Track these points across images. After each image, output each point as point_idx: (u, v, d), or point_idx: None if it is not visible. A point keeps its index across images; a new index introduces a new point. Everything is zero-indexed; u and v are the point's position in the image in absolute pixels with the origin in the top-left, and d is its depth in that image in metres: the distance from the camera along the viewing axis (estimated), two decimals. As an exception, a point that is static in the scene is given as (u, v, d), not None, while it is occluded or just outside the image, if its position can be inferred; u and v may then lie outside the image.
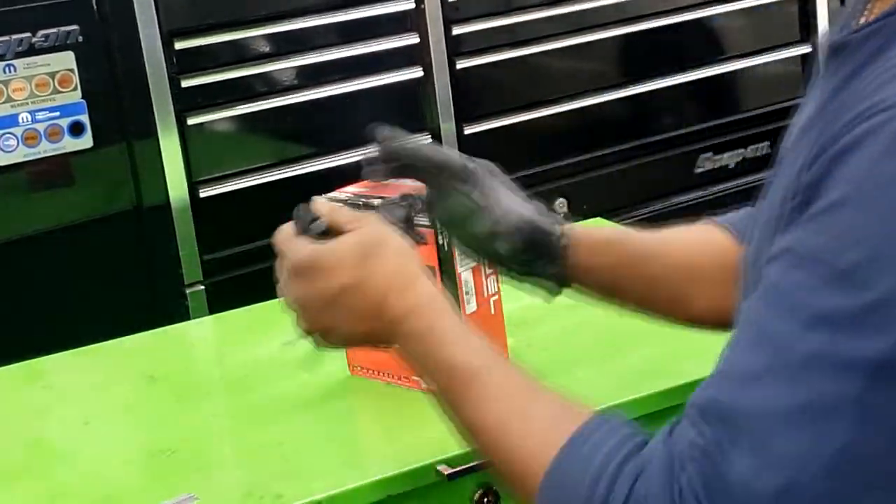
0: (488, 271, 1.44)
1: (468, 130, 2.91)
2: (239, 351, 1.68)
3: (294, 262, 1.13)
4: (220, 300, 2.57)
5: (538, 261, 1.28)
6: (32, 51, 2.43)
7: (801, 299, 0.79)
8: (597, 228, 1.40)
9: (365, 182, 1.49)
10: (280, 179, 2.71)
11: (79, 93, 2.50)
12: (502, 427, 0.97)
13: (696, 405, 0.84)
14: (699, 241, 1.30)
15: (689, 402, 0.86)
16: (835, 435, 0.76)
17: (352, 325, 1.11)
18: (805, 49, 3.33)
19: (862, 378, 0.75)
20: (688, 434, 0.84)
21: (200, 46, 2.62)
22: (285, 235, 1.16)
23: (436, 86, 2.87)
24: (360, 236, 1.11)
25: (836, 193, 0.79)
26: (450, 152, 1.29)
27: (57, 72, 2.47)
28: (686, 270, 1.28)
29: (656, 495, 0.83)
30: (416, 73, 2.85)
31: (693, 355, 1.39)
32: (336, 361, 1.52)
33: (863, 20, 0.90)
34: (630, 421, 0.94)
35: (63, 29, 2.46)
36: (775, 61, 3.31)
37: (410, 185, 1.33)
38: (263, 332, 1.72)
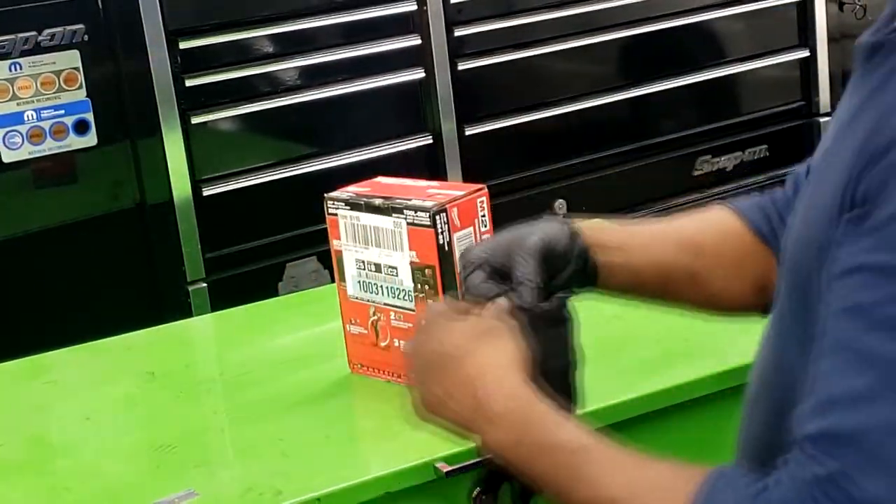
0: None
1: (469, 131, 2.91)
2: (239, 348, 1.69)
3: (425, 317, 1.14)
4: (222, 297, 2.58)
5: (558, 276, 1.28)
6: (38, 49, 2.44)
7: (890, 313, 0.80)
8: (607, 226, 1.39)
9: (366, 181, 1.50)
10: (282, 178, 2.71)
11: (84, 91, 2.50)
12: (629, 495, 0.96)
13: (810, 438, 0.83)
14: (710, 221, 1.31)
15: (799, 437, 0.85)
16: None
17: (444, 393, 1.10)
18: (803, 53, 3.33)
19: None
20: (810, 469, 0.83)
21: (204, 46, 2.62)
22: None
23: (437, 87, 2.87)
24: (482, 320, 1.12)
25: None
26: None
27: (62, 70, 2.47)
28: (700, 249, 1.29)
29: None
30: (418, 74, 2.86)
31: (690, 355, 1.40)
32: (336, 359, 1.53)
33: None
34: (742, 468, 0.94)
35: (69, 28, 2.46)
36: (774, 65, 3.32)
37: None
38: (264, 329, 1.73)
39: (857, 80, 0.96)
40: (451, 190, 1.44)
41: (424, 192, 1.44)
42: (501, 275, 1.18)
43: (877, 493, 0.79)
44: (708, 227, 1.31)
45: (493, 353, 1.08)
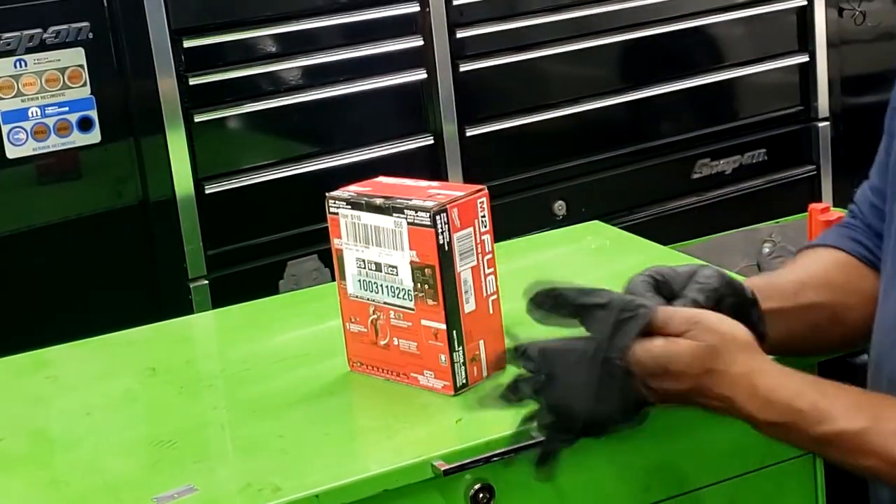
0: (488, 271, 1.46)
1: (470, 133, 2.92)
2: (240, 345, 1.69)
3: (646, 366, 1.19)
4: (223, 295, 2.58)
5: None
6: (43, 46, 2.45)
7: None
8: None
9: (367, 181, 1.51)
10: (284, 177, 2.72)
11: (88, 88, 2.51)
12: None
13: None
14: (822, 260, 1.35)
15: None
16: None
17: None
18: (803, 59, 3.33)
19: None
20: None
21: (208, 45, 2.63)
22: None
23: (439, 88, 2.88)
24: (701, 345, 1.18)
25: None
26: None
27: (67, 67, 2.48)
28: (832, 285, 1.36)
29: None
30: (420, 75, 2.87)
31: None
32: (335, 357, 1.54)
33: None
34: None
35: (74, 25, 2.47)
36: (773, 70, 3.32)
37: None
38: (264, 326, 1.73)
39: None
40: (451, 190, 1.45)
41: (425, 192, 1.45)
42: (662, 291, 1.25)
43: None
44: (825, 265, 1.35)
45: (728, 369, 1.17)
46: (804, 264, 1.40)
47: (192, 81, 2.61)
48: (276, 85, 2.72)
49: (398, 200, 1.43)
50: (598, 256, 1.90)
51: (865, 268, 1.35)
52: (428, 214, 1.40)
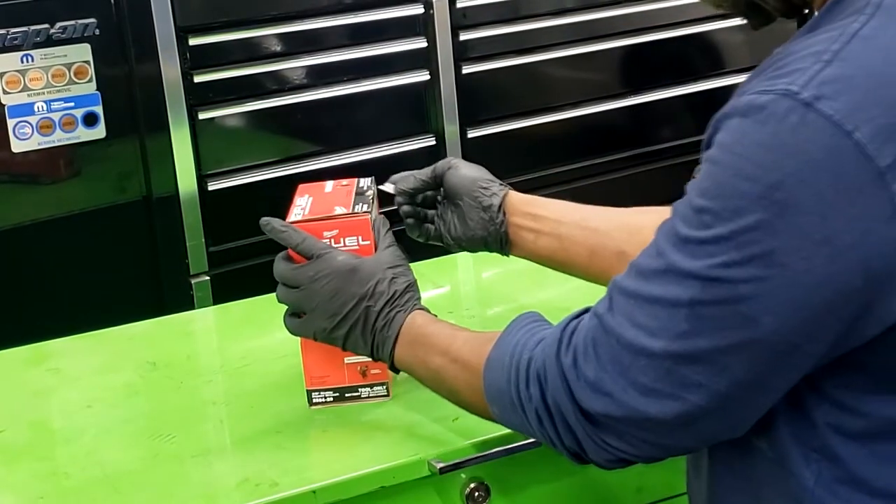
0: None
1: (471, 134, 2.93)
2: (240, 341, 1.70)
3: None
4: (224, 291, 2.60)
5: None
6: (50, 42, 2.46)
7: (675, 225, 1.00)
8: (534, 206, 1.55)
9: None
10: (287, 175, 2.73)
11: (94, 84, 2.52)
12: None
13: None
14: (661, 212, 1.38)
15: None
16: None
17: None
18: (804, 65, 3.34)
19: (697, 285, 0.96)
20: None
21: (214, 43, 2.64)
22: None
23: (441, 89, 2.89)
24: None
25: (713, 151, 0.99)
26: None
27: (73, 63, 2.49)
28: (626, 227, 1.47)
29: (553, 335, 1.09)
30: (423, 76, 2.88)
31: None
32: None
33: None
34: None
35: (81, 22, 2.48)
36: (774, 76, 3.32)
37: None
38: (264, 323, 1.73)
39: None
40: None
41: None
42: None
43: (615, 324, 1.03)
44: (654, 215, 1.39)
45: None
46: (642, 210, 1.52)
47: (197, 79, 2.62)
48: (279, 84, 2.73)
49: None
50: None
51: None
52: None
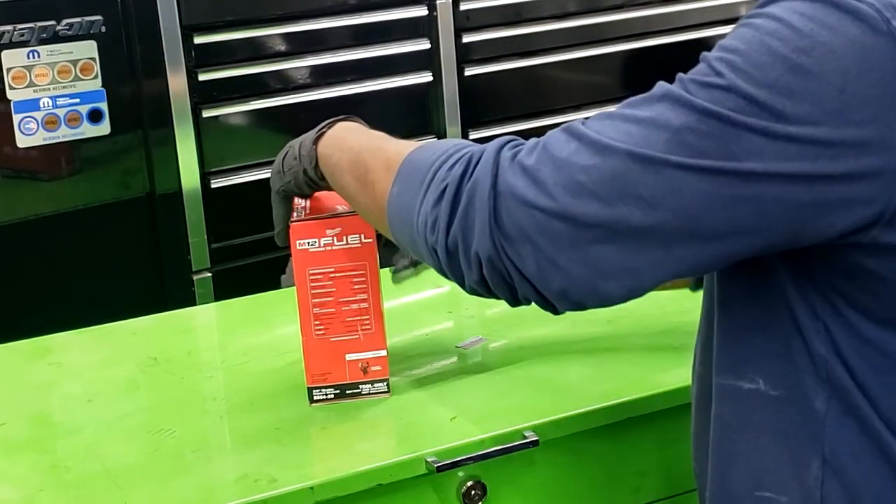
0: None
1: (473, 135, 2.93)
2: (241, 337, 1.70)
3: None
4: (225, 287, 2.60)
5: None
6: (56, 38, 2.47)
7: (679, 76, 1.03)
8: None
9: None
10: (289, 174, 2.74)
11: (99, 81, 2.53)
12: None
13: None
14: None
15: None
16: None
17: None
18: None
19: (693, 115, 0.97)
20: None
21: (218, 42, 2.65)
22: None
23: (444, 91, 2.90)
24: None
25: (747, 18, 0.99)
26: None
27: (79, 60, 2.50)
28: None
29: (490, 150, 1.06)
30: (426, 77, 2.89)
31: (680, 363, 1.41)
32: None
33: None
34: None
35: (87, 18, 2.49)
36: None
37: None
38: (265, 320, 1.74)
39: None
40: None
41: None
42: None
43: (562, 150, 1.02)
44: None
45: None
46: None
47: (202, 77, 2.63)
48: (283, 83, 2.74)
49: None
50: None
51: None
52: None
